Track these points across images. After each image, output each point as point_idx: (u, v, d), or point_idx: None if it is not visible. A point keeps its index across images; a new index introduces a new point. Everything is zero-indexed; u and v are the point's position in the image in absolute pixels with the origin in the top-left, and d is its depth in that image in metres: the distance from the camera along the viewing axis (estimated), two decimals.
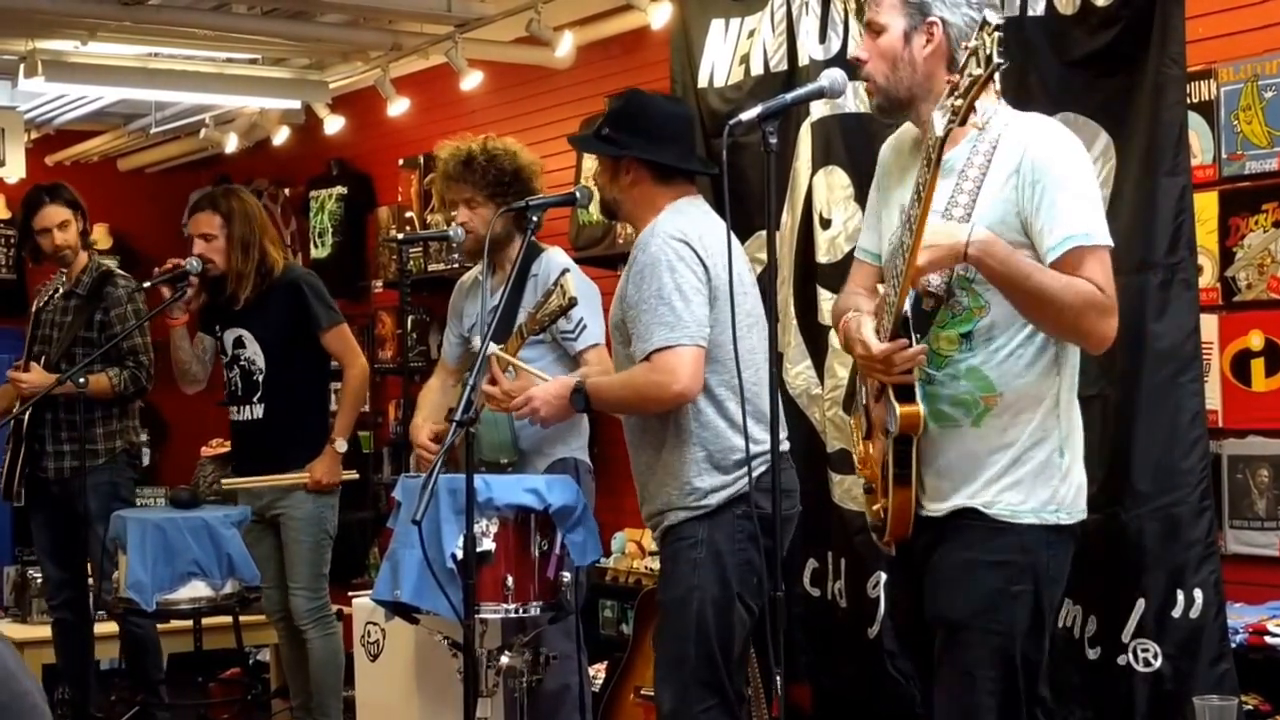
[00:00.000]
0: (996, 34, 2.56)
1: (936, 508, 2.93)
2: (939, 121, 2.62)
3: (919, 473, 2.92)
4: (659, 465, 3.56)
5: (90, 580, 5.73)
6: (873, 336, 2.88)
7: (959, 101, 2.60)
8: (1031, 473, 2.87)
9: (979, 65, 2.57)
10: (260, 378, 5.20)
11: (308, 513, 5.20)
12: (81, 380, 5.40)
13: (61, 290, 5.77)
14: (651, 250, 3.49)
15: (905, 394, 2.86)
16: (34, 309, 5.87)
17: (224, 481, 5.51)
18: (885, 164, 3.15)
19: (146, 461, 8.72)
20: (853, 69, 3.18)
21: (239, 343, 5.25)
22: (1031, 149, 2.82)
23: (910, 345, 2.82)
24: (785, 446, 3.53)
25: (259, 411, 5.21)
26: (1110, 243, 2.85)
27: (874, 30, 2.97)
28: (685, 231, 3.50)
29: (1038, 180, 2.80)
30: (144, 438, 8.71)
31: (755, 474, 3.38)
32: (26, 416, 5.58)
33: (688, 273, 3.45)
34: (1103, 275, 2.81)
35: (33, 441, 5.65)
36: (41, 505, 5.78)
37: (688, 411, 3.49)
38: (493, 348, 3.71)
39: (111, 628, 5.88)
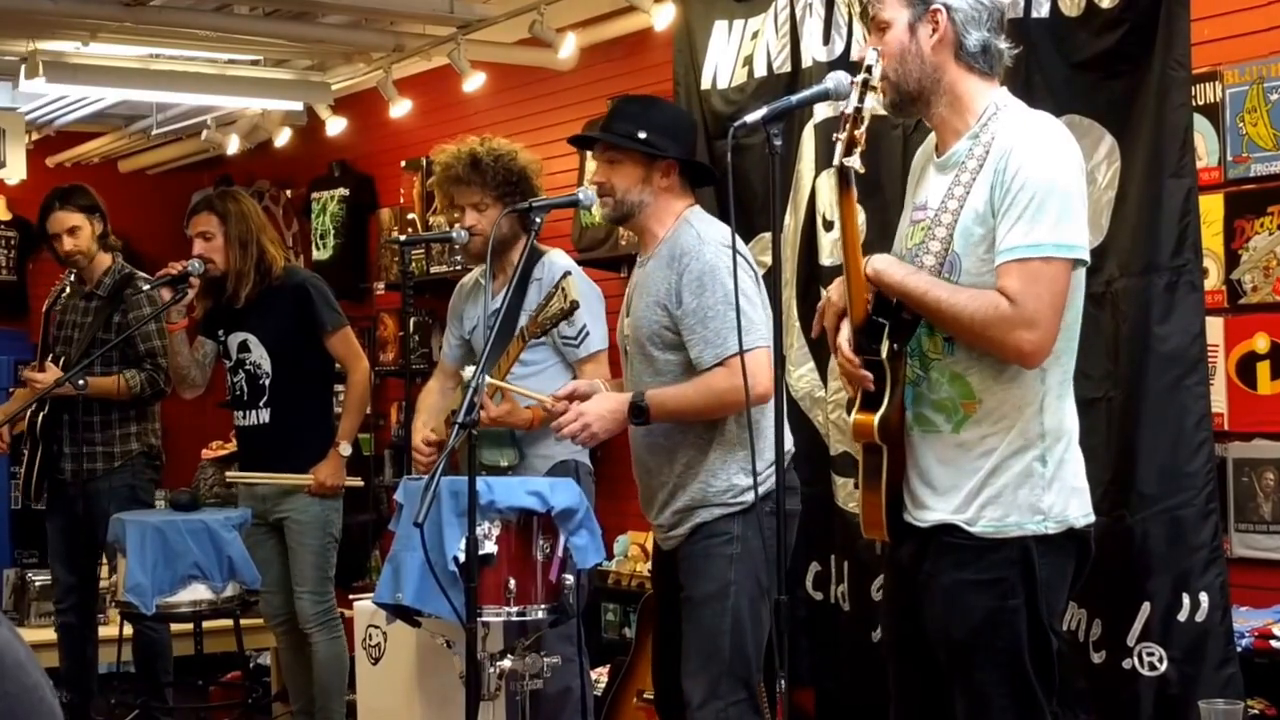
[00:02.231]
0: (865, 78, 2.76)
1: (920, 516, 2.91)
2: (836, 152, 2.77)
3: (905, 477, 2.91)
4: (700, 465, 3.59)
5: (103, 583, 5.72)
6: (845, 337, 2.88)
7: (842, 134, 2.74)
8: (1011, 484, 2.82)
9: (849, 102, 2.75)
10: (266, 382, 5.19)
11: (313, 515, 5.19)
12: (81, 382, 5.39)
13: (69, 289, 5.78)
14: (708, 258, 3.53)
15: (869, 402, 2.87)
16: (44, 308, 5.88)
17: (229, 475, 5.51)
18: (912, 167, 3.14)
19: None
20: (858, 70, 3.16)
21: (243, 346, 5.23)
22: (1014, 152, 2.79)
23: (876, 357, 2.84)
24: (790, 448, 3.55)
25: (265, 416, 5.20)
26: (1066, 255, 2.76)
27: (879, 27, 2.95)
28: (731, 238, 3.51)
29: (1007, 185, 2.77)
30: None
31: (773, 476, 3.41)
32: (41, 418, 5.59)
33: (747, 279, 3.53)
34: (1020, 287, 2.73)
35: (50, 443, 5.66)
36: (59, 508, 5.78)
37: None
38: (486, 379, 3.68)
39: (112, 631, 5.86)
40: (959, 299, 2.78)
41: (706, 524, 3.58)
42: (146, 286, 5.37)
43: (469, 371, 3.75)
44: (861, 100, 2.74)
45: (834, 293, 2.98)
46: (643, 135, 3.66)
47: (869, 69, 2.77)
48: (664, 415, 3.61)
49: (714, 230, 3.62)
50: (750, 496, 3.54)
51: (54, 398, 5.49)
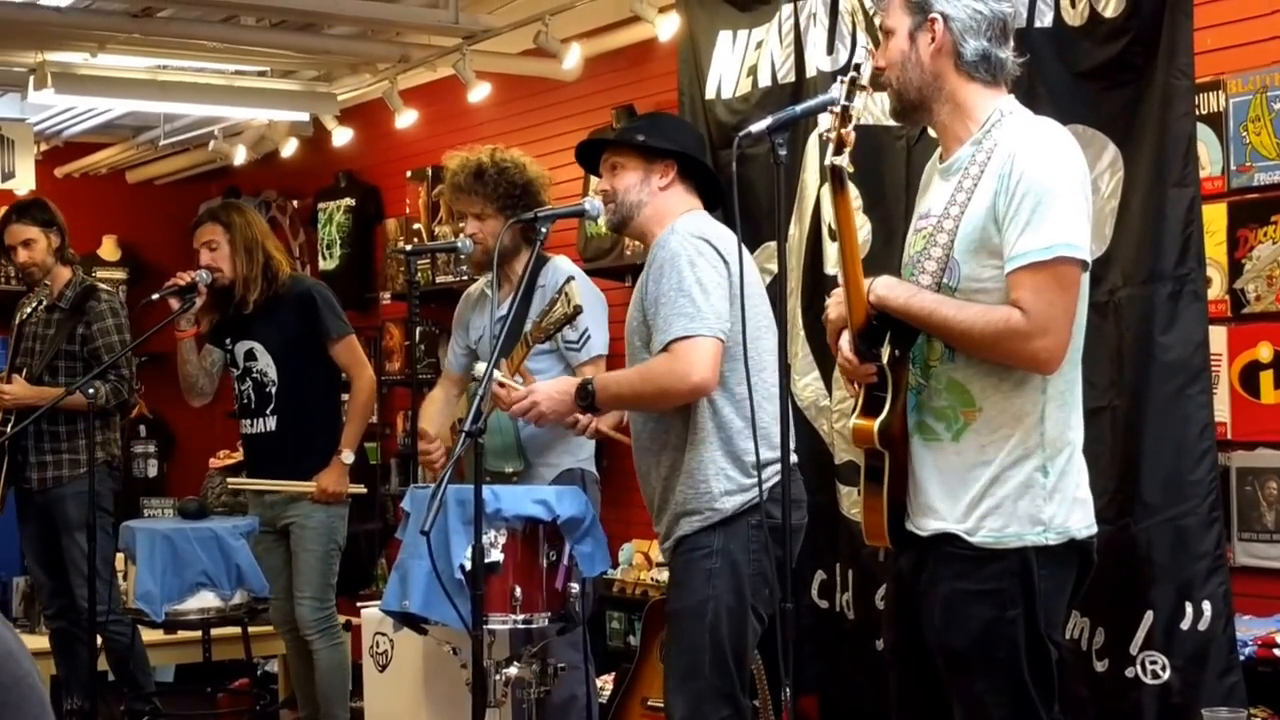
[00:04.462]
0: (853, 76, 2.75)
1: (921, 525, 2.90)
2: (827, 152, 2.77)
3: (906, 485, 2.91)
4: (680, 468, 3.54)
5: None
6: (847, 343, 2.89)
7: (830, 133, 2.73)
8: (1011, 494, 2.82)
9: (837, 100, 2.73)
10: (272, 390, 5.22)
11: (319, 522, 5.22)
12: (90, 390, 5.41)
13: (45, 303, 5.82)
14: (671, 246, 3.51)
15: (870, 407, 2.87)
16: (17, 321, 5.91)
17: (230, 482, 5.54)
18: (923, 179, 3.15)
19: (155, 473, 8.76)
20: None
21: (250, 355, 5.26)
22: (1017, 158, 2.79)
23: (878, 362, 2.84)
24: (794, 458, 3.54)
25: (271, 424, 5.23)
26: (1075, 254, 2.75)
27: (886, 33, 2.97)
28: (704, 230, 3.54)
29: (1012, 192, 2.77)
30: (152, 449, 8.78)
31: (769, 484, 3.39)
32: (7, 428, 5.64)
33: (708, 268, 3.47)
34: (1032, 296, 2.73)
35: (15, 453, 5.70)
36: (28, 516, 5.86)
37: (705, 409, 3.50)
38: (496, 374, 3.68)
39: None
40: (967, 315, 2.78)
41: (688, 536, 3.54)
42: (155, 296, 5.39)
43: (480, 368, 3.76)
44: (849, 99, 2.74)
45: (832, 312, 2.97)
46: (641, 138, 3.69)
47: (857, 68, 2.79)
48: (608, 399, 3.60)
49: (693, 223, 3.58)
50: (729, 505, 3.49)
51: (20, 409, 5.54)
